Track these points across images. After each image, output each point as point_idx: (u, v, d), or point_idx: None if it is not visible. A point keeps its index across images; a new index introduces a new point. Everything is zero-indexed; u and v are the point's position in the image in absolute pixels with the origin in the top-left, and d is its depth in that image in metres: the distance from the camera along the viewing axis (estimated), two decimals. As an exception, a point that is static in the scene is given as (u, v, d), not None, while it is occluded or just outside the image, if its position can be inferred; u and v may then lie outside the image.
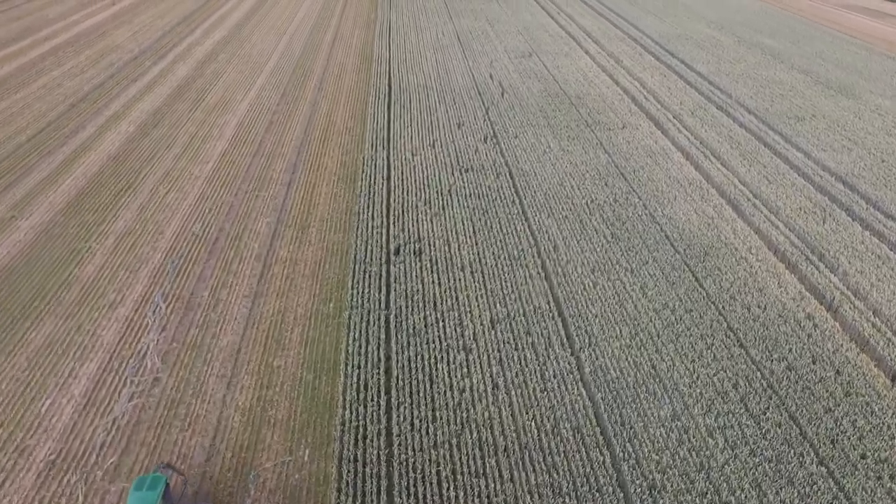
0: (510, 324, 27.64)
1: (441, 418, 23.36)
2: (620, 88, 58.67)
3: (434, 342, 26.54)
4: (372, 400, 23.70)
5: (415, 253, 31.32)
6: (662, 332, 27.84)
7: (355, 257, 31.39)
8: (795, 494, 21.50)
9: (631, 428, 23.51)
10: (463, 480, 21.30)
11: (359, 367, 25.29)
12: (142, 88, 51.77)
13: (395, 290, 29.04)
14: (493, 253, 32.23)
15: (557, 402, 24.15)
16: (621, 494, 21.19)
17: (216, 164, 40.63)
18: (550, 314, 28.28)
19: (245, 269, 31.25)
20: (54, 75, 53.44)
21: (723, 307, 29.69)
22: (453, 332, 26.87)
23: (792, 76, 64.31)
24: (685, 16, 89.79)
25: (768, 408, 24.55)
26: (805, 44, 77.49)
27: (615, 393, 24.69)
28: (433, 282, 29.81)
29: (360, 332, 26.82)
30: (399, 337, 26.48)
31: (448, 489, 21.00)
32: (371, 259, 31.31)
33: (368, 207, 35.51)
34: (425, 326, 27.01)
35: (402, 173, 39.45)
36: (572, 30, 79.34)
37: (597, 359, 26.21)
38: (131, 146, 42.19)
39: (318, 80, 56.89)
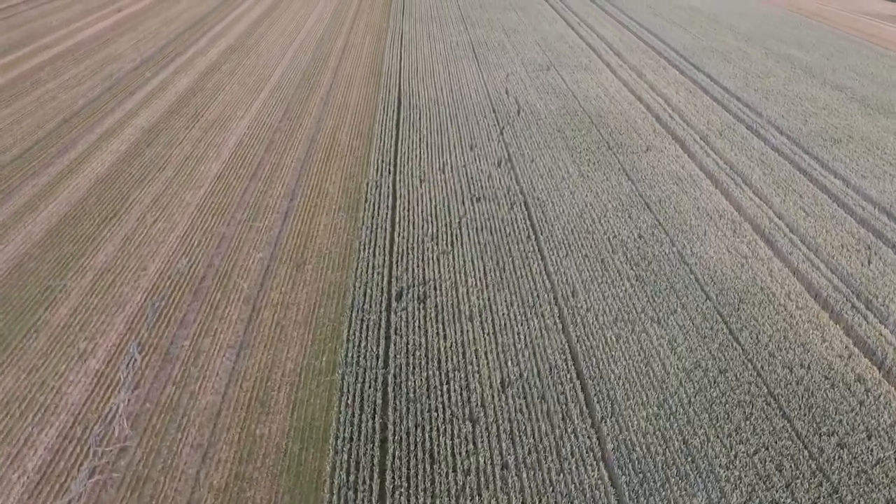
0: (523, 386, 24.65)
1: (442, 508, 20.46)
2: (643, 105, 55.55)
3: (437, 409, 23.56)
4: (364, 483, 20.84)
5: (419, 298, 28.49)
6: (694, 399, 24.77)
7: (353, 303, 28.61)
8: None
9: (661, 522, 20.50)
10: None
11: (351, 440, 22.42)
12: (139, 102, 49.43)
13: (395, 344, 26.21)
14: (506, 299, 29.31)
15: (576, 486, 21.16)
16: None
17: (210, 188, 38.07)
18: (568, 375, 25.29)
19: (232, 313, 28.58)
20: (50, 87, 51.25)
21: (761, 367, 26.56)
22: (459, 398, 23.94)
23: (825, 93, 60.79)
24: (710, 26, 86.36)
25: (819, 497, 21.43)
26: (838, 57, 73.79)
27: (642, 476, 21.66)
28: (438, 334, 26.96)
29: (355, 395, 23.99)
30: (397, 403, 23.61)
31: None
32: (370, 305, 28.51)
33: (370, 242, 32.73)
34: (427, 390, 24.12)
35: (409, 202, 36.62)
36: (592, 41, 76.25)
37: (620, 432, 23.18)
38: (121, 167, 39.76)
39: (325, 93, 54.30)
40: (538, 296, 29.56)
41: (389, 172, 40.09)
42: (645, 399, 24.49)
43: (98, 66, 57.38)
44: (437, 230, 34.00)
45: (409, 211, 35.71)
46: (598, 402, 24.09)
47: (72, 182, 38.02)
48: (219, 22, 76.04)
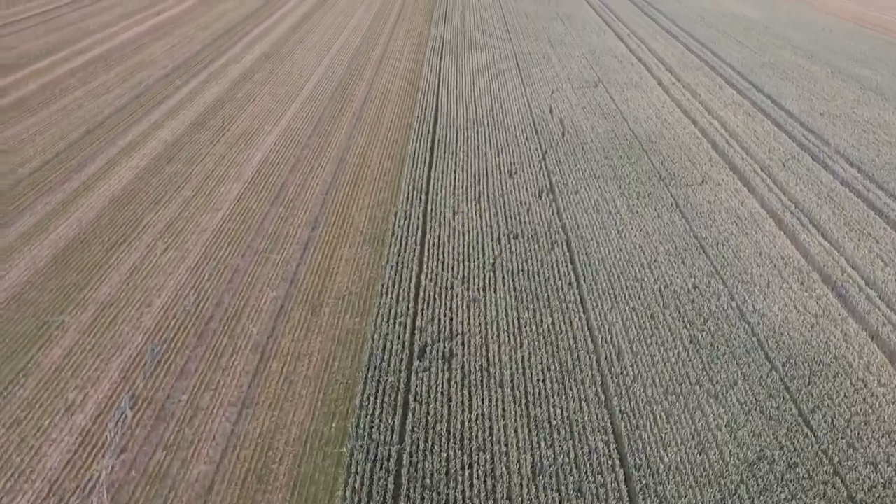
0: (557, 475, 21.49)
1: None
2: (698, 130, 51.60)
3: (456, 502, 20.56)
4: None
5: (444, 357, 25.56)
6: (758, 501, 21.23)
7: (370, 358, 25.81)
8: None
9: None
10: None
11: (355, 535, 19.64)
12: (165, 113, 47.62)
13: (413, 414, 23.28)
14: (542, 361, 26.14)
15: None
16: None
17: (228, 212, 35.79)
18: (609, 462, 21.98)
19: (237, 363, 26.09)
20: (77, 95, 49.86)
21: (839, 462, 22.83)
22: (482, 488, 20.85)
23: (899, 119, 55.88)
24: (769, 41, 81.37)
25: None
26: (911, 78, 68.39)
27: None
28: (463, 403, 23.96)
29: (364, 477, 21.13)
30: (411, 491, 20.64)
31: None
32: (389, 362, 25.66)
33: (394, 285, 29.90)
34: (447, 475, 21.12)
35: (439, 237, 33.69)
36: (643, 55, 72.22)
37: (671, 541, 19.86)
38: (139, 186, 37.79)
39: (358, 108, 51.79)
40: (578, 358, 26.31)
41: (420, 201, 37.22)
42: (699, 497, 21.05)
43: (128, 72, 55.89)
44: (469, 272, 31.01)
45: (438, 248, 32.77)
46: (643, 501, 20.77)
47: (86, 201, 36.16)
48: (256, 26, 74.33)
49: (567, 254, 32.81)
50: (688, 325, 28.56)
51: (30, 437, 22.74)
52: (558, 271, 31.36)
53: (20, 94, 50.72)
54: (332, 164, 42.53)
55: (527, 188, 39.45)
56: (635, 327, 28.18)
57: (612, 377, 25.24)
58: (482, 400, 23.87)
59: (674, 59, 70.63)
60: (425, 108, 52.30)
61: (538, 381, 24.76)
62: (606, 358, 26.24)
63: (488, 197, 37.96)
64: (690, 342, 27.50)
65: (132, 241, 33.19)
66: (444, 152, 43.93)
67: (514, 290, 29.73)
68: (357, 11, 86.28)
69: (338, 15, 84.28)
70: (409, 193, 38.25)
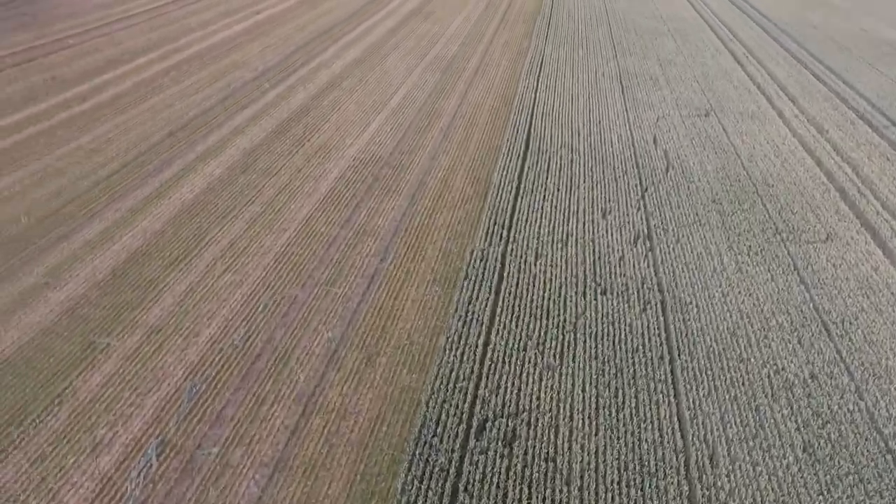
0: None
1: None
2: (824, 173, 45.40)
3: None
4: None
5: (505, 438, 22.17)
6: None
7: (421, 429, 22.79)
8: None
9: None
10: None
11: None
12: (249, 118, 46.37)
13: (462, 509, 20.15)
14: (619, 456, 22.20)
15: None
16: None
17: (294, 234, 33.73)
18: None
19: (278, 414, 23.78)
20: (168, 94, 49.54)
21: None
22: None
23: None
24: (912, 70, 72.30)
25: None
26: None
27: None
28: (520, 501, 20.48)
29: (394, 588, 18.19)
30: None
31: None
32: (443, 437, 22.56)
33: (460, 340, 26.66)
34: None
35: (517, 285, 30.10)
36: (763, 80, 65.48)
37: None
38: (209, 197, 36.41)
39: (446, 124, 48.92)
40: (663, 457, 22.22)
41: (501, 238, 33.80)
42: None
43: (220, 73, 55.39)
44: (546, 332, 27.38)
45: (515, 298, 29.24)
46: None
47: (155, 209, 35.03)
48: (355, 28, 72.99)
49: (661, 318, 28.52)
50: (801, 428, 23.84)
51: (50, 477, 21.25)
52: (649, 340, 27.23)
53: (117, 90, 51.09)
54: (412, 186, 39.85)
55: (621, 232, 35.20)
56: (735, 423, 23.76)
57: (702, 488, 21.04)
58: (543, 499, 20.34)
59: (797, 87, 63.64)
60: (517, 130, 48.78)
61: (612, 482, 20.95)
62: (697, 461, 22.04)
63: (577, 240, 34.04)
64: (804, 451, 22.83)
65: (192, 259, 31.71)
66: (533, 183, 40.26)
67: (596, 358, 25.87)
68: (455, 19, 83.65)
69: (437, 21, 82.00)
70: (489, 228, 34.93)
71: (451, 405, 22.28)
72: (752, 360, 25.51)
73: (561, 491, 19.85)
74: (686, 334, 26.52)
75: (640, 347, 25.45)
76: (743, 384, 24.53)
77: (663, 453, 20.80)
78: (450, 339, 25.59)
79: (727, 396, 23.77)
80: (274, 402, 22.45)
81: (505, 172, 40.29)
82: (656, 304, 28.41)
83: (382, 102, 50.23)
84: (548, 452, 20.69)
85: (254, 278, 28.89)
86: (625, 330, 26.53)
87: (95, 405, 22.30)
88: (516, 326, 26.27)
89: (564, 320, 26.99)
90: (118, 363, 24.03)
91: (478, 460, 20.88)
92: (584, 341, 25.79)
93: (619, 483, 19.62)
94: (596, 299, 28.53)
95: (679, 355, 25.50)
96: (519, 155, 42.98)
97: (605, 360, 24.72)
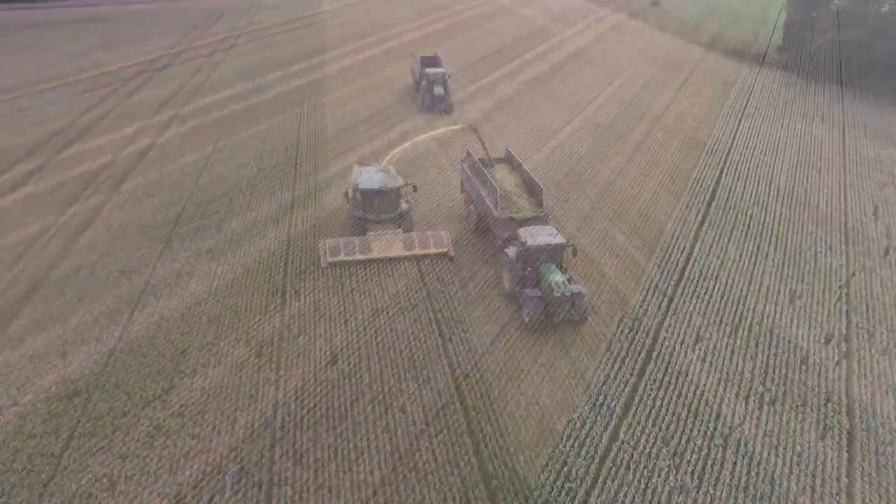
0: None
1: None
2: None
3: None
4: None
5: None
6: None
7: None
8: None
9: None
10: None
11: None
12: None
13: None
14: None
15: None
16: None
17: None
18: None
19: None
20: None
21: None
22: None
23: None
24: None
25: None
26: None
27: None
28: None
29: None
30: None
31: None
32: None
33: (584, 443, 22.78)
34: None
35: (666, 374, 25.19)
36: None
37: None
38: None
39: (628, 155, 44.90)
40: None
41: (660, 309, 29.19)
42: None
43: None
44: (688, 440, 22.55)
45: (660, 388, 24.70)
46: None
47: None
48: (549, 38, 70.85)
49: (845, 454, 22.73)
50: None
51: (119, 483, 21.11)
52: (822, 481, 21.73)
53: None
54: (576, 221, 36.06)
55: (810, 325, 29.03)
56: None
57: None
58: None
59: None
60: (703, 177, 42.98)
61: None
62: None
63: (750, 325, 28.56)
64: None
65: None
66: (711, 244, 34.71)
67: (745, 491, 20.98)
68: (658, 44, 77.68)
69: (635, 39, 77.02)
70: (647, 294, 30.49)
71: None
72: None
73: None
74: (877, 484, 20.97)
75: (808, 488, 20.41)
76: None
77: None
78: (581, 417, 22.01)
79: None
80: None
81: (682, 222, 35.68)
82: (840, 432, 22.87)
83: (558, 125, 47.28)
84: None
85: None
86: (792, 458, 21.48)
87: (173, 432, 20.86)
88: (653, 425, 22.21)
89: (713, 430, 22.43)
90: (216, 378, 22.70)
91: None
92: (735, 463, 21.14)
93: None
94: (760, 409, 23.47)
95: (860, 498, 20.07)
96: (701, 207, 37.90)
97: (760, 497, 20.01)
